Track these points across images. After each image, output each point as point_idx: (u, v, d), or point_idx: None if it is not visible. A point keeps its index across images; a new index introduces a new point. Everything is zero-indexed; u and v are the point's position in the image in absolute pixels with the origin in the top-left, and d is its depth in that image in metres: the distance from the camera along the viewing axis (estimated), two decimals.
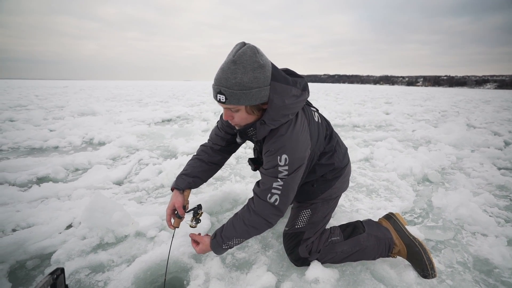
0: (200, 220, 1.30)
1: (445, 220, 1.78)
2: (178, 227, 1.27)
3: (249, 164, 1.30)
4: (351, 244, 1.27)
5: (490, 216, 1.84)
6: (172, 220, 1.27)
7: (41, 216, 1.64)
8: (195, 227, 1.29)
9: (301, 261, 1.26)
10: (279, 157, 1.03)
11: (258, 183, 1.16)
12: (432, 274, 1.19)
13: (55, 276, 0.72)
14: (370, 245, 1.27)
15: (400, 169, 2.69)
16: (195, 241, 1.25)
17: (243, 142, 1.27)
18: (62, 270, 0.76)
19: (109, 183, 2.29)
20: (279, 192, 1.06)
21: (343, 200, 2.05)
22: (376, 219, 1.47)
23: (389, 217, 1.40)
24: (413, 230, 1.53)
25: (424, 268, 1.20)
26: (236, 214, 1.18)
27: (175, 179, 1.33)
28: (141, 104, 9.09)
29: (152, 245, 1.42)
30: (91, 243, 1.43)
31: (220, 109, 7.50)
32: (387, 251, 1.29)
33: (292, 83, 1.03)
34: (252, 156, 1.39)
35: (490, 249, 1.44)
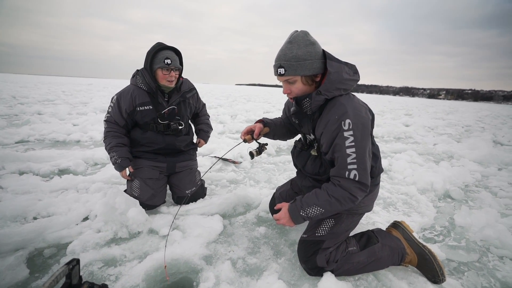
0: (261, 153, 1.43)
1: (468, 241, 1.67)
2: (246, 142, 1.41)
3: (296, 145, 1.39)
4: (367, 254, 1.25)
5: None
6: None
7: (60, 206, 1.69)
8: (253, 156, 1.40)
9: (316, 270, 1.22)
10: (342, 122, 1.06)
11: (332, 164, 1.15)
12: (443, 279, 1.22)
13: (70, 266, 0.73)
14: (385, 255, 1.26)
15: (420, 183, 2.57)
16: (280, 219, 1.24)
17: (297, 122, 1.34)
18: (78, 261, 0.77)
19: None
20: (355, 166, 1.06)
21: None
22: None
23: (397, 225, 1.40)
24: (433, 248, 1.44)
25: (435, 274, 1.22)
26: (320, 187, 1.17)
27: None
28: None
29: (164, 244, 1.42)
30: (106, 237, 1.45)
31: (238, 112, 7.55)
32: (400, 261, 1.29)
33: (343, 63, 1.14)
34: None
35: None
